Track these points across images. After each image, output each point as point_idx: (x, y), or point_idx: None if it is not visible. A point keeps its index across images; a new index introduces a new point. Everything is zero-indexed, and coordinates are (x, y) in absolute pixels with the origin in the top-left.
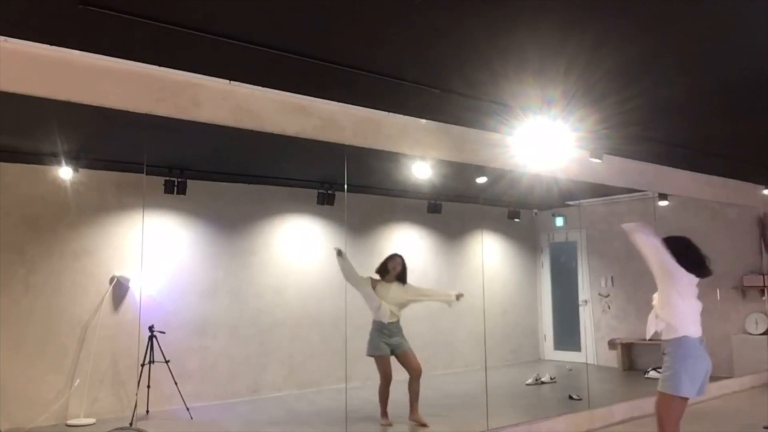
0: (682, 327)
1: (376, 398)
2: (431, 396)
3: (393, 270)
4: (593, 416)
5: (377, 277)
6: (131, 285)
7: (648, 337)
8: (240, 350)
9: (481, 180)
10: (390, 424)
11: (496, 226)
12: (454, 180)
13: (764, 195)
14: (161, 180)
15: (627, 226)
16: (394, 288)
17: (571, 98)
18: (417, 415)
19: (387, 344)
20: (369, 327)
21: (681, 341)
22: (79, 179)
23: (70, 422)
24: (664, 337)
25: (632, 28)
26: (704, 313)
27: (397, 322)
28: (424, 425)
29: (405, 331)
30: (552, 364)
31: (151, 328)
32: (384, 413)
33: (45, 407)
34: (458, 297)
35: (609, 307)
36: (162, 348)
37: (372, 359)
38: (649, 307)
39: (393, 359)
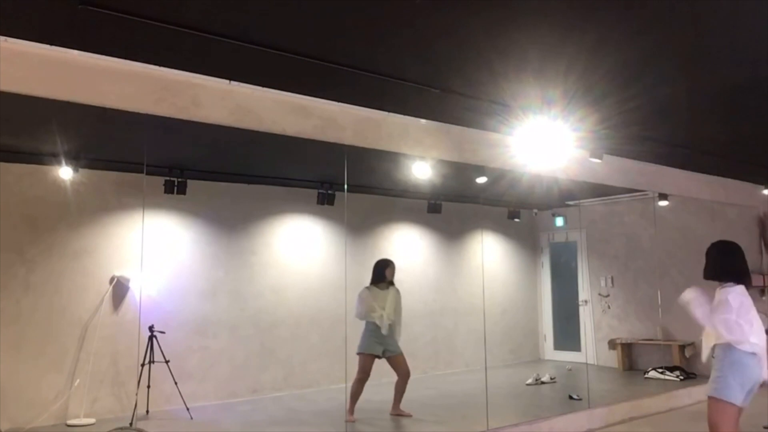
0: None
1: (375, 398)
2: (431, 396)
3: (390, 276)
4: (593, 416)
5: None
6: (131, 285)
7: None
8: (240, 350)
9: (481, 180)
10: (354, 421)
11: (496, 226)
12: (454, 180)
13: (764, 195)
14: (161, 180)
15: (683, 300)
16: (391, 293)
17: (571, 98)
18: (399, 409)
19: (380, 344)
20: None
21: (730, 347)
22: (79, 179)
23: (70, 422)
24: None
25: (632, 28)
26: None
27: (393, 324)
28: (408, 415)
29: (405, 331)
30: (552, 364)
31: (151, 328)
32: (351, 410)
33: (45, 407)
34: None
35: (609, 307)
36: (162, 348)
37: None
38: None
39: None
